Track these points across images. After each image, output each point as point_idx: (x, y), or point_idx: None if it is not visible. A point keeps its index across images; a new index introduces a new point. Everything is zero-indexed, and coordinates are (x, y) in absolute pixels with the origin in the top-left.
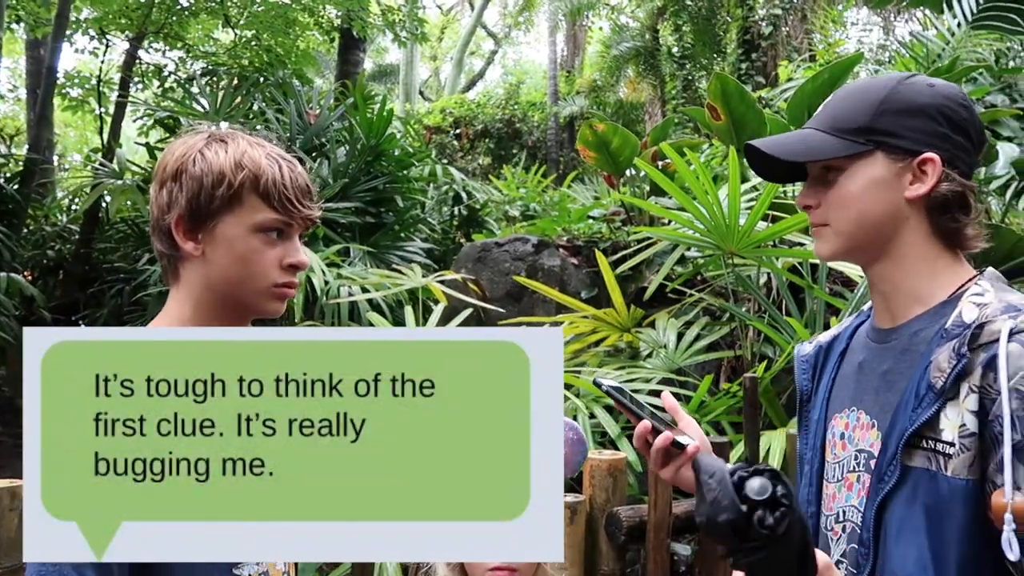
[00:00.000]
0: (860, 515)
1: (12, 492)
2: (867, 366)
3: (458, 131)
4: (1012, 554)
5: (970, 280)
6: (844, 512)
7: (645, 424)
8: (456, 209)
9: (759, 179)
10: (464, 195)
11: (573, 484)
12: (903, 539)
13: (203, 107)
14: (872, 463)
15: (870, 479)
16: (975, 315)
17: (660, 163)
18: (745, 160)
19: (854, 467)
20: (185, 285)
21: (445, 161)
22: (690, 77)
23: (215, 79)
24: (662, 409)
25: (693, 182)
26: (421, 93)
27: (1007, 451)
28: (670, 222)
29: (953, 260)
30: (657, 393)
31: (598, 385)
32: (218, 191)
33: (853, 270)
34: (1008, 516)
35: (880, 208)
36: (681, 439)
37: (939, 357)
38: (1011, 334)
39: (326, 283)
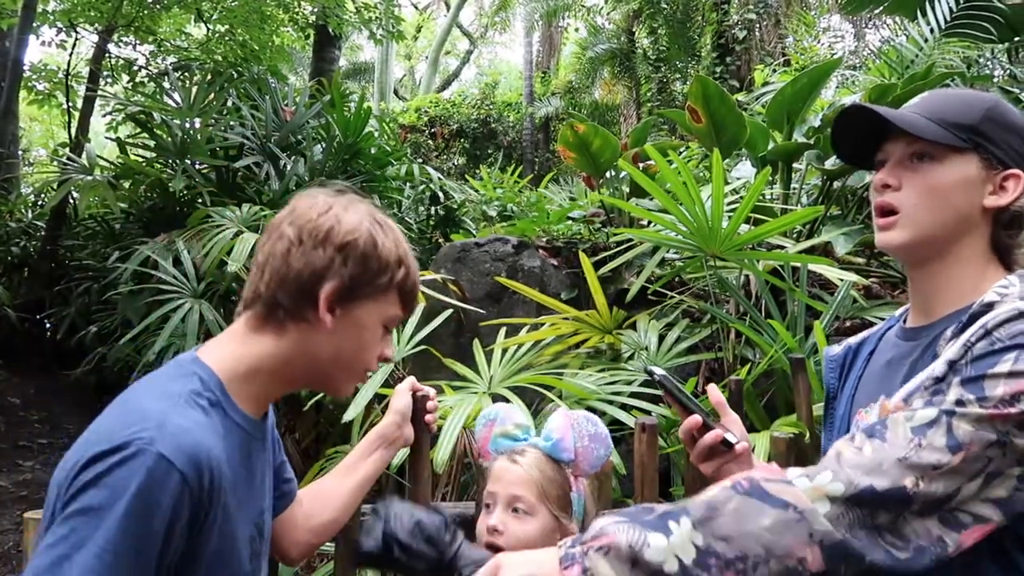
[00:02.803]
0: None
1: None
2: (894, 362)
3: (433, 130)
4: None
5: None
6: None
7: (696, 419)
8: (433, 209)
9: (740, 182)
10: (441, 195)
11: None
12: None
13: (176, 102)
14: None
15: None
16: (993, 300)
17: (641, 165)
18: (829, 130)
19: None
20: (286, 341)
21: (420, 160)
22: (665, 80)
23: (188, 74)
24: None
25: (676, 184)
26: (396, 92)
27: (938, 364)
28: (651, 224)
29: (999, 274)
30: (641, 395)
31: (650, 373)
32: (379, 280)
33: (833, 273)
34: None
35: (960, 206)
36: (729, 437)
37: (947, 332)
38: (1019, 314)
39: None
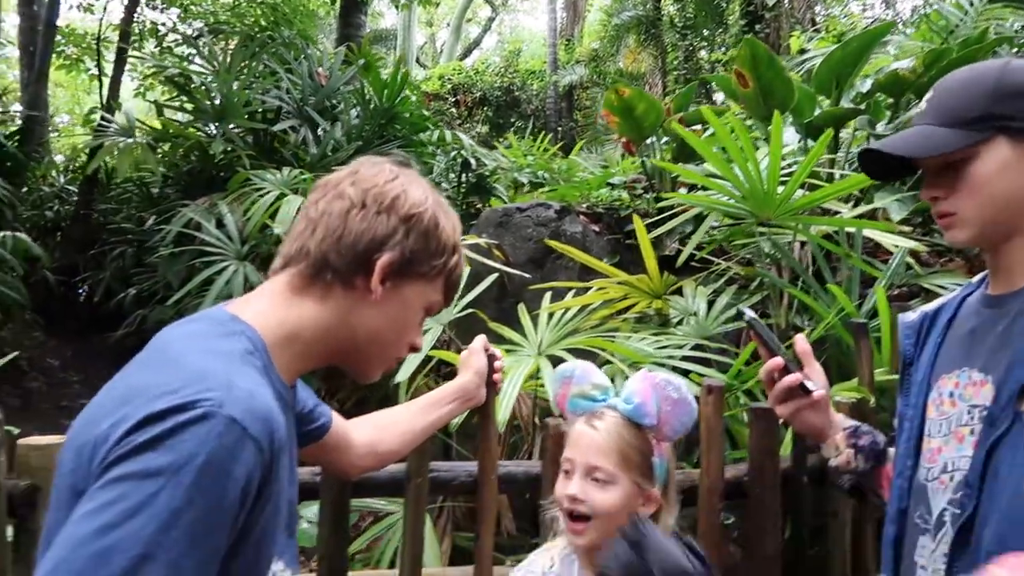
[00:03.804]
0: (969, 462)
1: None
2: (980, 330)
3: (456, 98)
4: None
5: None
6: (952, 463)
7: (777, 361)
8: (464, 176)
9: (786, 148)
10: (473, 161)
11: None
12: (1010, 479)
13: (213, 66)
14: (984, 415)
15: (982, 429)
16: None
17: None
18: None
19: (967, 421)
20: (329, 308)
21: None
22: (692, 48)
23: (219, 38)
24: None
25: (732, 147)
26: (417, 60)
27: None
28: (699, 188)
29: None
30: (693, 359)
31: (741, 313)
32: (435, 262)
33: (888, 239)
34: None
35: (1008, 188)
36: (808, 384)
37: None
38: None
39: None
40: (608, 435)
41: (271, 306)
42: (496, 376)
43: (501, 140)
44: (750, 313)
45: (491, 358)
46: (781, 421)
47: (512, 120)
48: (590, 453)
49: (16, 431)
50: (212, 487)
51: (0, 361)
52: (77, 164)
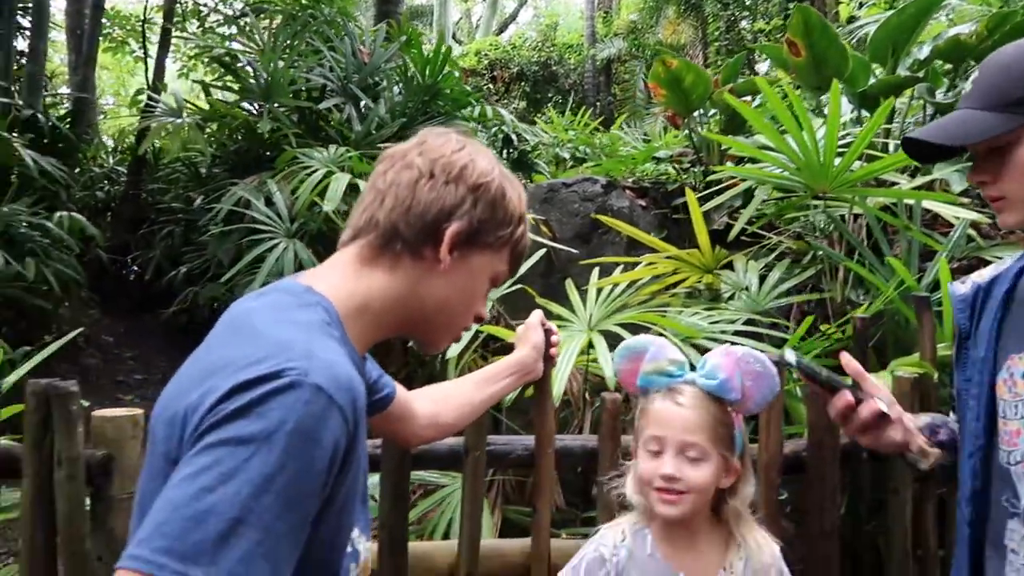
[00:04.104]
0: None
1: (133, 420)
2: None
3: (493, 74)
4: None
5: None
6: None
7: (847, 398)
8: (506, 151)
9: (846, 116)
10: (514, 137)
11: None
12: None
13: (257, 45)
14: None
15: None
16: None
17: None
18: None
19: None
20: (399, 278)
21: None
22: (734, 18)
23: (261, 17)
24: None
25: (787, 118)
26: (453, 36)
27: None
28: (748, 161)
29: None
30: (745, 334)
31: (784, 362)
32: (501, 232)
33: (948, 210)
34: None
35: None
36: (883, 408)
37: None
38: None
39: None
40: (698, 412)
41: (342, 278)
42: (553, 351)
43: (540, 115)
44: (793, 358)
45: (548, 333)
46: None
47: (549, 95)
48: (684, 431)
49: (86, 404)
50: (302, 453)
51: (64, 339)
52: (125, 145)
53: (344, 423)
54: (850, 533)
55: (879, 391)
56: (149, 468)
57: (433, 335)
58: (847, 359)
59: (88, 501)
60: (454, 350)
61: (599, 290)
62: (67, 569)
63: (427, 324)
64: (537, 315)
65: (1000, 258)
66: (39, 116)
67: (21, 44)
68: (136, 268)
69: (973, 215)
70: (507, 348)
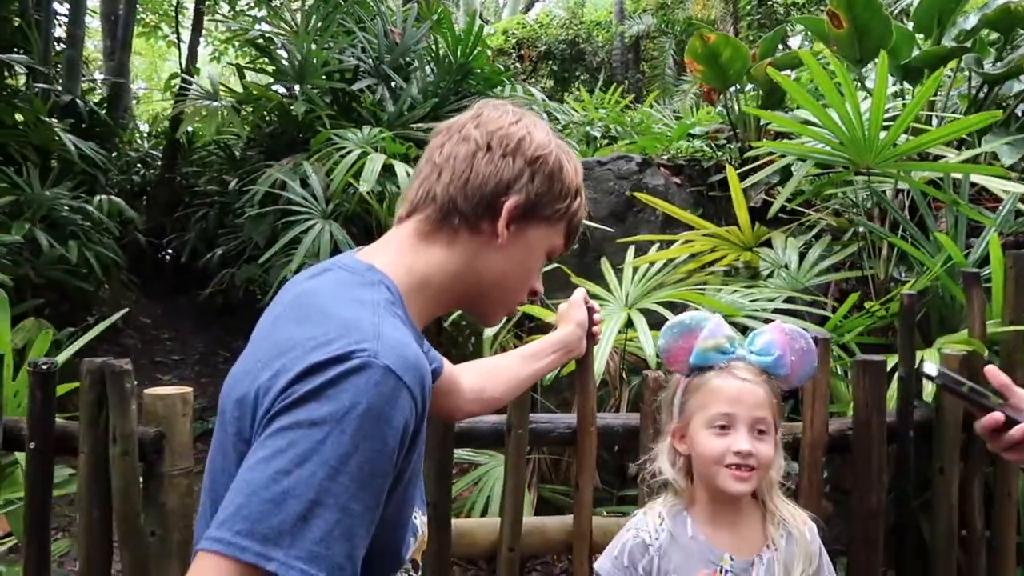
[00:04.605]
0: None
1: (183, 398)
2: None
3: (520, 53)
4: None
5: None
6: None
7: (997, 417)
8: None
9: (889, 89)
10: (545, 116)
11: None
12: None
13: (290, 26)
14: None
15: None
16: None
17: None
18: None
19: None
20: (457, 253)
21: None
22: None
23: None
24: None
25: (830, 90)
26: (480, 15)
27: None
28: (787, 138)
29: None
30: (783, 312)
31: (929, 376)
32: (558, 205)
33: (997, 184)
34: None
35: None
36: None
37: None
38: None
39: None
40: (763, 387)
41: (400, 254)
42: (595, 328)
43: (568, 94)
44: (935, 370)
45: (590, 311)
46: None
47: (577, 74)
48: (754, 406)
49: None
50: (374, 434)
51: (110, 319)
52: (160, 130)
53: (413, 403)
54: (895, 513)
55: (1021, 400)
56: (220, 446)
57: (488, 309)
58: (993, 371)
59: (140, 478)
60: (489, 330)
61: (635, 269)
62: (122, 544)
63: (483, 298)
64: (580, 293)
65: None
66: (78, 101)
67: (58, 31)
68: (171, 251)
69: (1023, 188)
70: (543, 328)
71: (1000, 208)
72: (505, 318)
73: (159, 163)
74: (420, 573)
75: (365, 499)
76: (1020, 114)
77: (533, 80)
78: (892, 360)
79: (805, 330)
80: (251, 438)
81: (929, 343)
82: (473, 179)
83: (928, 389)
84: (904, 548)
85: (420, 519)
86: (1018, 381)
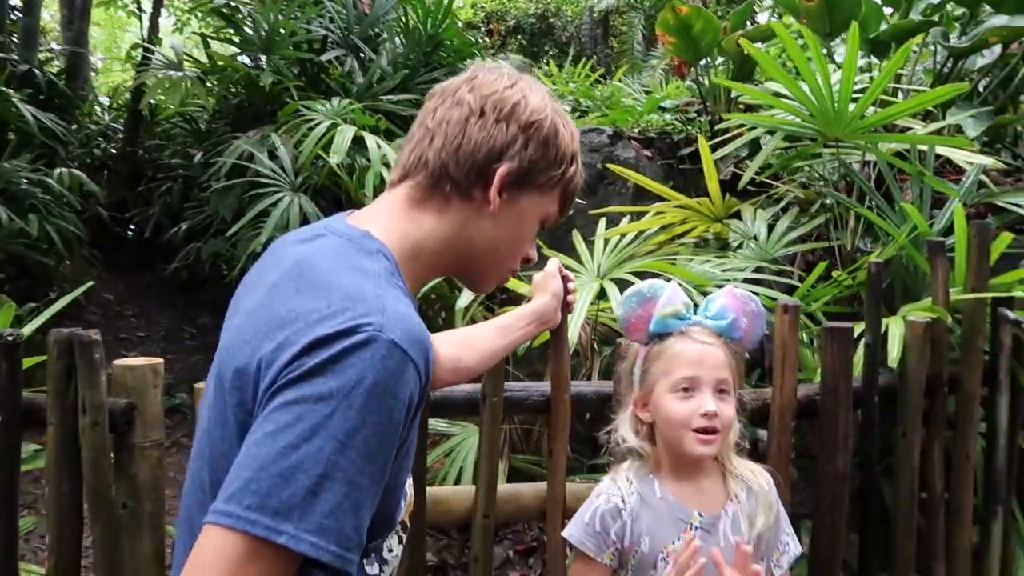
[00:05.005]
0: None
1: (154, 369)
2: None
3: (489, 27)
4: None
5: None
6: None
7: None
8: None
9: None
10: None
11: None
12: None
13: None
14: None
15: None
16: None
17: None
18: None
19: None
20: (448, 220)
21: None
22: None
23: None
24: None
25: (802, 62)
26: None
27: None
28: (758, 110)
29: None
30: (756, 281)
31: (1007, 318)
32: (552, 172)
33: (961, 156)
34: None
35: None
36: None
37: None
38: None
39: None
40: (723, 350)
41: (393, 220)
42: (570, 298)
43: (536, 68)
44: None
45: (564, 281)
46: None
47: (546, 48)
48: (718, 369)
49: None
50: (380, 408)
51: (74, 292)
52: (121, 102)
53: (417, 376)
54: (859, 478)
55: None
56: (220, 416)
57: (480, 276)
58: None
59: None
60: (461, 301)
61: (606, 241)
62: (93, 516)
63: (475, 265)
64: (555, 263)
65: (1015, 204)
66: (36, 71)
67: None
68: (134, 226)
69: (986, 160)
70: (515, 300)
71: (963, 179)
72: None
73: (121, 136)
74: (407, 534)
75: (372, 472)
76: (982, 89)
77: (502, 55)
78: (858, 328)
79: (773, 299)
80: (253, 410)
81: (893, 311)
82: (465, 145)
83: (893, 355)
84: (868, 512)
85: (409, 482)
86: (979, 347)
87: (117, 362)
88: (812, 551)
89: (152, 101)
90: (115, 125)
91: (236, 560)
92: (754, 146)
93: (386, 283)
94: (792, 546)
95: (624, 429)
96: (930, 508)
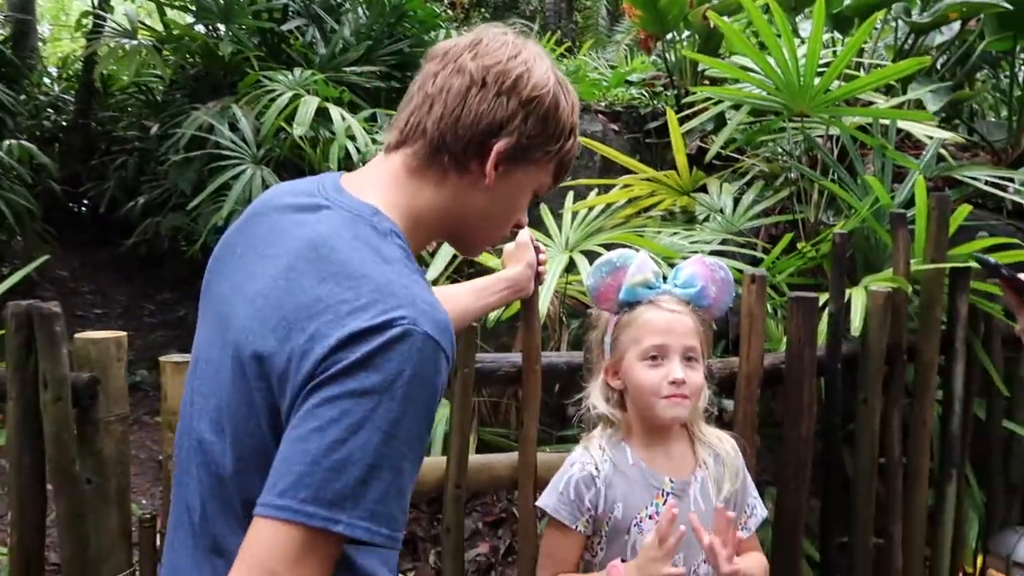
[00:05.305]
0: None
1: (117, 342)
2: None
3: (452, 0)
4: None
5: None
6: None
7: None
8: None
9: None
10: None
11: None
12: None
13: None
14: None
15: None
16: None
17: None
18: None
19: None
20: (446, 192)
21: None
22: None
23: None
24: None
25: (769, 36)
26: None
27: None
28: (724, 84)
29: None
30: (719, 254)
31: (983, 261)
32: (550, 147)
33: (920, 129)
34: None
35: None
36: None
37: None
38: None
39: (366, 146)
40: (692, 318)
41: (393, 192)
42: (541, 268)
43: None
44: (993, 260)
45: (536, 250)
46: None
47: (510, 22)
48: (686, 336)
49: None
50: (420, 398)
51: (30, 266)
52: (71, 72)
53: (447, 364)
54: (822, 446)
55: None
56: (244, 397)
57: (472, 242)
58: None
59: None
60: (435, 270)
61: (574, 214)
62: (57, 492)
63: (468, 233)
64: (526, 233)
65: (972, 177)
66: None
67: None
68: (89, 200)
69: (946, 134)
70: (484, 272)
71: (923, 153)
72: (444, 263)
73: (72, 107)
74: None
75: (412, 457)
76: (939, 66)
77: (465, 29)
78: (822, 298)
79: (740, 270)
80: (287, 397)
81: (855, 282)
82: (465, 117)
83: (855, 324)
84: (830, 481)
85: None
86: (937, 317)
87: (79, 335)
88: (776, 516)
89: (104, 71)
90: (66, 96)
91: (297, 551)
92: (720, 120)
93: (407, 270)
94: (759, 509)
95: (595, 397)
96: (888, 472)
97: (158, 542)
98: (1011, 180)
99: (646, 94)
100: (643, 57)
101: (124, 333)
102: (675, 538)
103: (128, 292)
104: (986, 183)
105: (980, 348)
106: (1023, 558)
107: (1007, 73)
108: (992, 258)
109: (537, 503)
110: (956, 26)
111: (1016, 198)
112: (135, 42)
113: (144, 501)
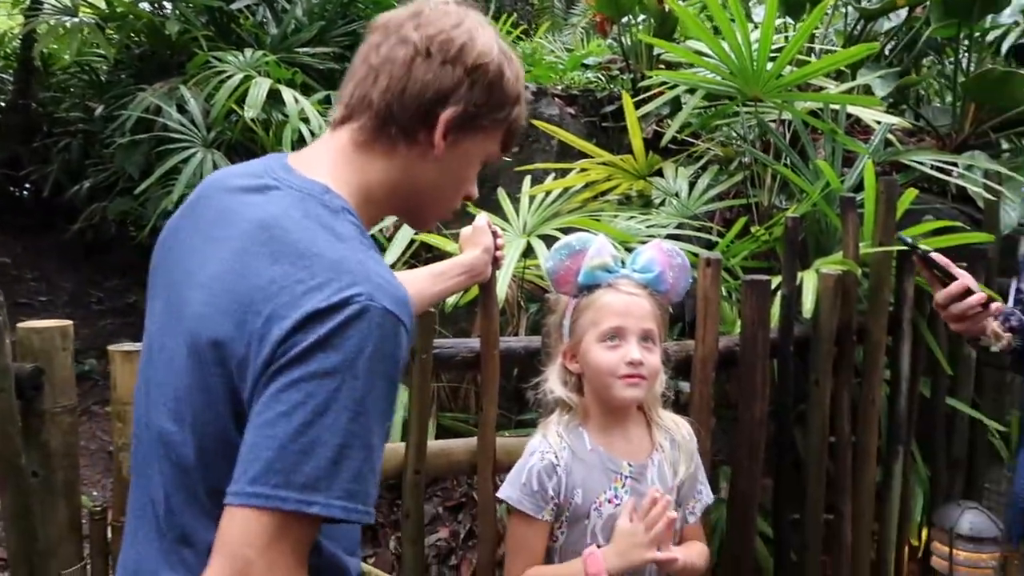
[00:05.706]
0: None
1: (63, 331)
2: None
3: None
4: None
5: None
6: None
7: (963, 284)
8: None
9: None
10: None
11: None
12: None
13: None
14: None
15: None
16: None
17: (665, 6)
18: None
19: None
20: (395, 164)
21: None
22: None
23: None
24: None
25: (723, 20)
26: None
27: None
28: (680, 68)
29: None
30: (679, 238)
31: (910, 245)
32: (497, 115)
33: (869, 114)
34: None
35: None
36: (995, 295)
37: None
38: None
39: (320, 129)
40: (649, 301)
41: (343, 169)
42: (499, 253)
43: None
44: (922, 247)
45: (494, 235)
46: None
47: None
48: (643, 319)
49: None
50: (383, 373)
51: None
52: (9, 50)
53: (407, 337)
54: (775, 428)
55: (971, 281)
56: (201, 384)
57: (423, 214)
58: (938, 256)
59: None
60: (393, 254)
61: (532, 198)
62: (1, 485)
63: (419, 206)
64: (483, 218)
65: (918, 162)
66: None
67: None
68: (30, 184)
69: (893, 120)
70: (441, 258)
71: (872, 138)
72: (401, 249)
73: (10, 88)
74: None
75: (379, 432)
76: (887, 52)
77: None
78: (775, 281)
79: (695, 254)
80: (248, 382)
81: (807, 265)
82: (411, 87)
83: (807, 307)
84: (783, 461)
85: None
86: (885, 298)
87: (22, 324)
88: (731, 495)
89: (45, 50)
90: (3, 75)
91: (271, 535)
92: (675, 104)
93: (360, 246)
94: (705, 494)
95: (553, 380)
96: (838, 451)
97: (109, 535)
98: (955, 165)
99: (602, 78)
100: (599, 40)
101: (70, 322)
102: (663, 525)
103: (74, 279)
104: (932, 167)
105: (926, 328)
106: (966, 531)
107: (951, 59)
108: (909, 238)
109: (499, 495)
110: (904, 12)
111: (960, 182)
112: (76, 19)
113: (95, 493)
